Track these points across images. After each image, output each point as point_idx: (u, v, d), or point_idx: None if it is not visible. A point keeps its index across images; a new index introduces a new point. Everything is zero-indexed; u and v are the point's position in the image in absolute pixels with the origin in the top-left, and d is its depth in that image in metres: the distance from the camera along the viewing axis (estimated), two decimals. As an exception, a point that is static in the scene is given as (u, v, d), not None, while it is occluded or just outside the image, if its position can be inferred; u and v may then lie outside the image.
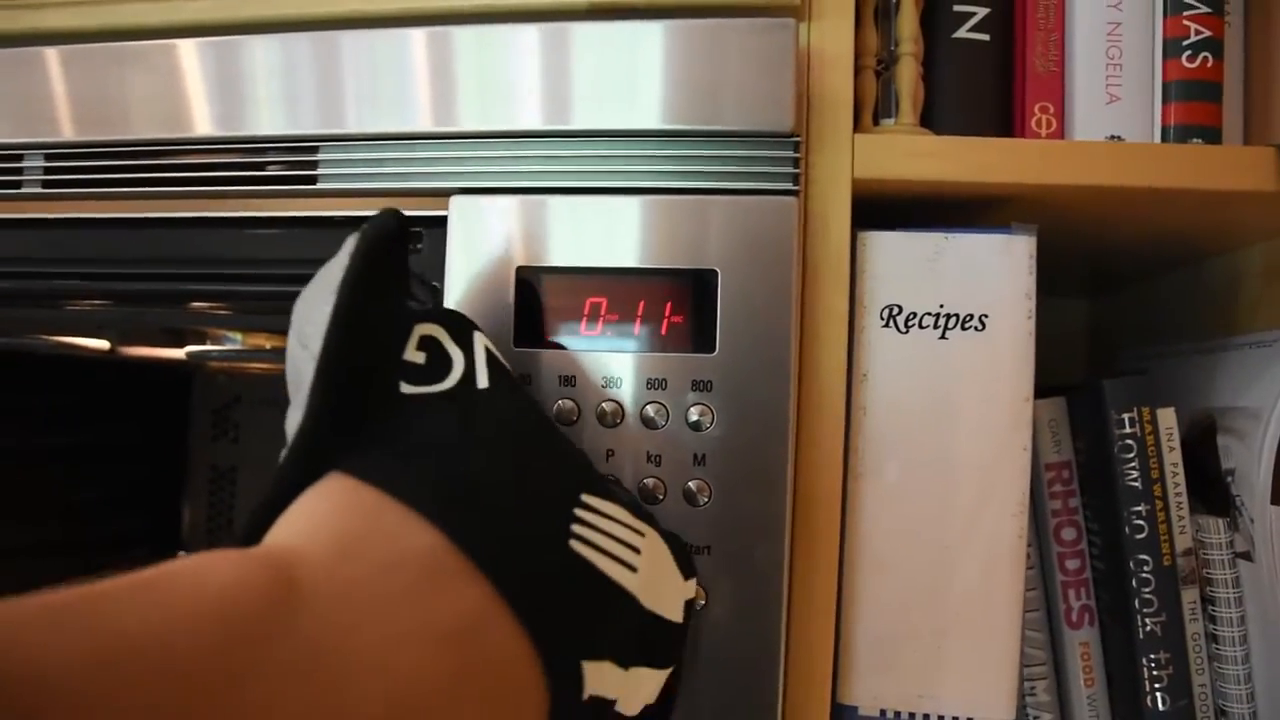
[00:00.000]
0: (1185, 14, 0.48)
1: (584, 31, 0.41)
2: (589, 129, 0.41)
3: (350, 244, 0.32)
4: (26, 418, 0.70)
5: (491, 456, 0.29)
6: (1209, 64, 0.47)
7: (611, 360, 0.40)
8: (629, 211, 0.41)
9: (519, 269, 0.41)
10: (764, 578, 0.40)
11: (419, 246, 0.46)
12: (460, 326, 0.33)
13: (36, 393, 0.71)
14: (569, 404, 0.40)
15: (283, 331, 0.67)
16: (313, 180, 0.45)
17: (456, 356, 0.31)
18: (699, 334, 0.40)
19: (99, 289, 0.50)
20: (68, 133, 0.47)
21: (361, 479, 0.27)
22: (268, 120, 0.44)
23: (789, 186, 0.40)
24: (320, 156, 0.44)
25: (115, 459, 0.78)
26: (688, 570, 0.35)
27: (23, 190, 0.48)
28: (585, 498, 0.30)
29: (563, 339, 0.41)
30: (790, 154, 0.40)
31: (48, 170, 0.48)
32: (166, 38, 0.46)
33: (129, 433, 0.79)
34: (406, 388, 0.30)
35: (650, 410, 0.40)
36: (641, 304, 0.41)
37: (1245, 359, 0.49)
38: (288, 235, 0.47)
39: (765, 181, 0.40)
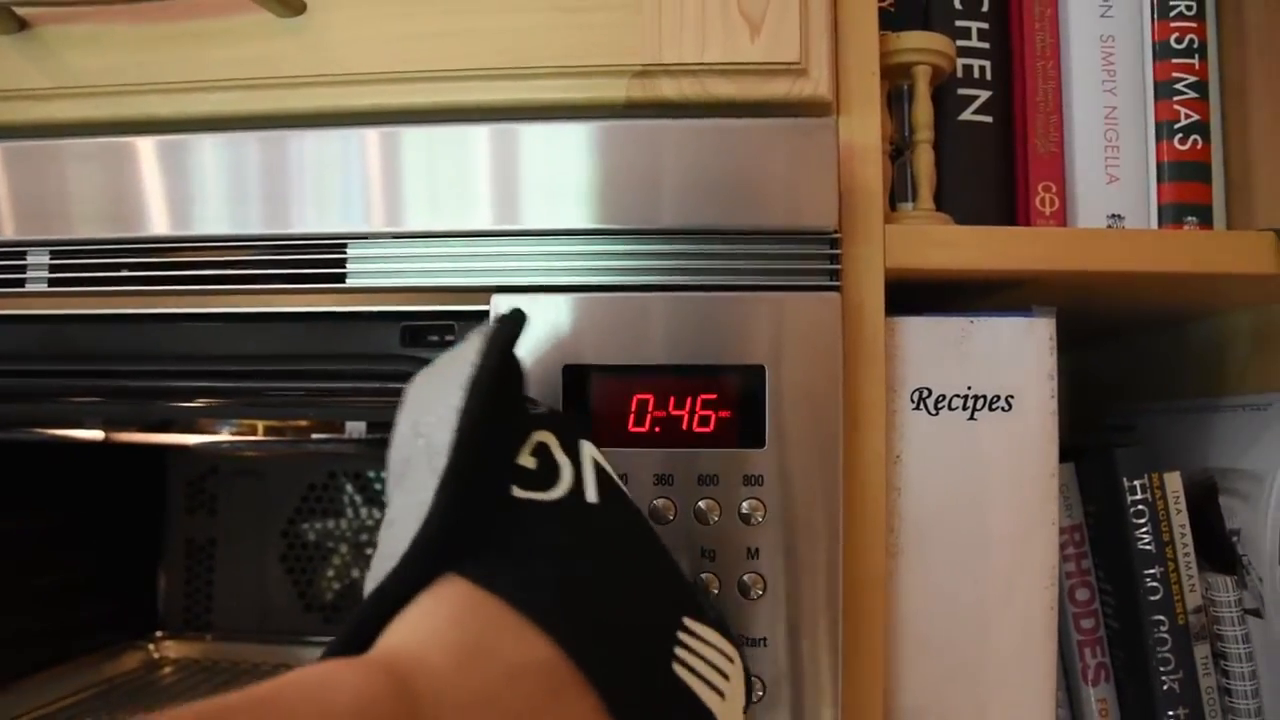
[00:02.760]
0: (1175, 99, 0.50)
1: (622, 130, 0.42)
2: (630, 228, 0.42)
3: (480, 342, 0.32)
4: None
5: (603, 573, 0.30)
6: (1198, 146, 0.50)
7: (661, 458, 0.41)
8: (672, 309, 0.41)
9: (566, 367, 0.41)
10: (819, 666, 0.41)
11: (449, 339, 0.46)
12: (569, 434, 0.33)
13: (5, 476, 0.68)
14: (621, 501, 0.41)
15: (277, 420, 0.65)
16: (341, 279, 0.44)
17: (565, 465, 0.32)
18: (748, 429, 0.41)
19: (108, 386, 0.48)
20: (77, 230, 0.45)
21: (480, 585, 0.27)
22: (300, 218, 0.44)
23: (830, 281, 0.41)
24: (350, 254, 0.44)
25: (88, 538, 0.75)
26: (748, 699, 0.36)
27: (27, 289, 0.46)
28: (687, 622, 0.31)
29: (611, 437, 0.41)
30: (831, 250, 0.41)
31: (53, 268, 0.46)
32: (179, 130, 0.46)
33: (102, 510, 0.76)
34: (518, 491, 0.30)
35: (702, 505, 0.41)
36: (689, 401, 0.41)
37: (1240, 421, 0.51)
38: (313, 330, 0.46)
39: (808, 277, 0.41)
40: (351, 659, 0.25)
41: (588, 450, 0.33)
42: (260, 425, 0.64)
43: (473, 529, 0.29)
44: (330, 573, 0.80)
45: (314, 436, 0.65)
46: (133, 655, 0.76)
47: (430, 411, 0.30)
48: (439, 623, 0.27)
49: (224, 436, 0.62)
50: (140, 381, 0.47)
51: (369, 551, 0.80)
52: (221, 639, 0.79)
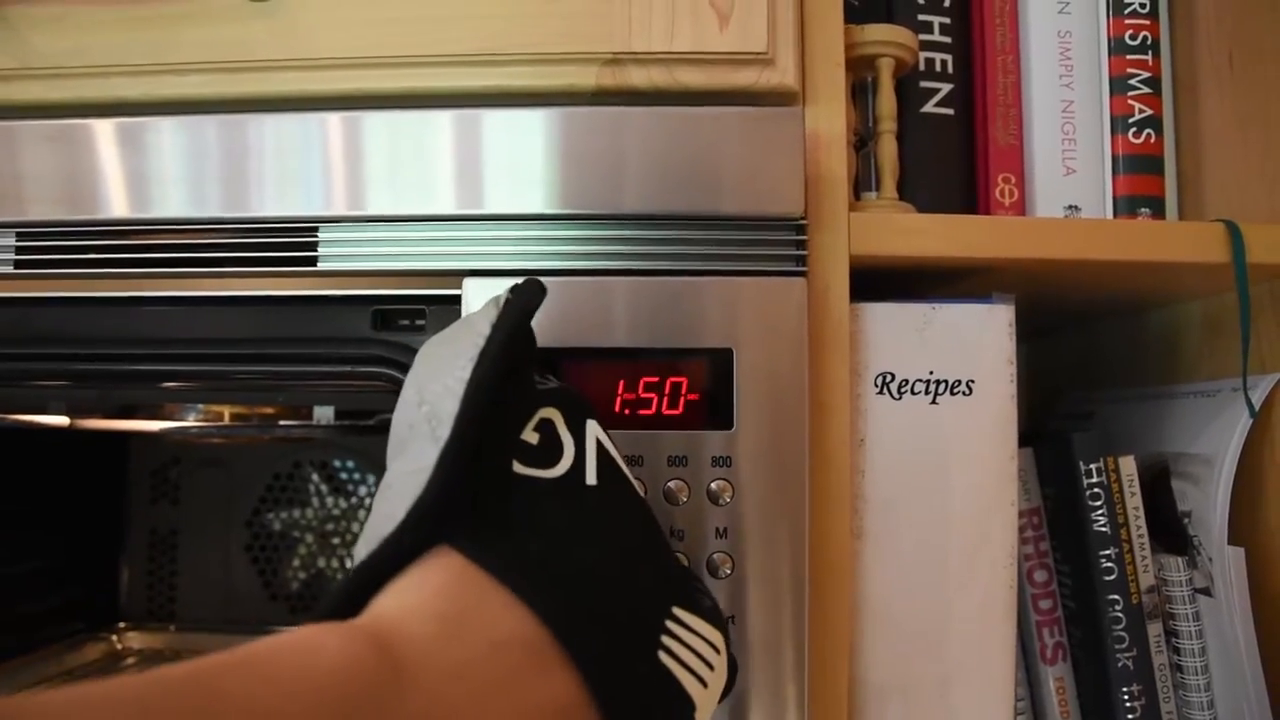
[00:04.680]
0: (1129, 94, 0.52)
1: (591, 117, 0.42)
2: (600, 213, 0.42)
3: (493, 313, 0.32)
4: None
5: (595, 555, 0.30)
6: (1152, 140, 0.52)
7: (631, 439, 0.41)
8: (642, 293, 0.42)
9: (541, 351, 0.42)
10: (785, 643, 0.41)
11: (420, 323, 0.46)
12: (576, 413, 0.33)
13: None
14: (591, 482, 0.41)
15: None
16: (312, 261, 0.44)
17: (568, 444, 0.32)
18: (717, 411, 0.42)
19: (76, 370, 0.48)
20: (42, 213, 0.45)
21: (471, 559, 0.28)
22: (271, 201, 0.44)
23: (796, 267, 0.42)
24: (321, 237, 0.44)
25: (47, 527, 0.74)
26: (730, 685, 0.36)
27: (-9, 271, 0.46)
28: (677, 611, 0.31)
29: (583, 419, 0.42)
30: (797, 236, 0.42)
31: (19, 250, 0.46)
32: (146, 113, 0.45)
33: (61, 499, 0.75)
34: (519, 467, 0.30)
35: (672, 486, 0.41)
36: (658, 383, 0.42)
37: (1192, 407, 0.53)
38: (283, 313, 0.46)
39: (775, 263, 0.42)
40: (337, 624, 0.25)
41: (593, 430, 0.33)
42: (226, 412, 0.64)
43: (469, 502, 0.29)
44: (296, 562, 0.80)
45: (281, 423, 0.64)
46: (95, 646, 0.75)
47: (437, 379, 0.31)
48: (427, 593, 0.27)
49: (190, 423, 0.62)
50: (107, 365, 0.47)
51: (335, 541, 0.80)
52: (185, 629, 0.78)
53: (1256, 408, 0.48)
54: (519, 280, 0.35)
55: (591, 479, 0.32)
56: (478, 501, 0.29)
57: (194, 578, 0.80)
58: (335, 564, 0.80)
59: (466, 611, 0.27)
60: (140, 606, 0.80)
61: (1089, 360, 0.68)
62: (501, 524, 0.29)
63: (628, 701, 0.28)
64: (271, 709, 0.21)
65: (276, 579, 0.80)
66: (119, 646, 0.76)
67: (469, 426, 0.29)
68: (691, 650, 0.31)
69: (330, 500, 0.80)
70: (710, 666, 0.31)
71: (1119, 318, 0.64)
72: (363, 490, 0.80)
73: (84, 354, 0.46)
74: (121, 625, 0.78)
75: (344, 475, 0.80)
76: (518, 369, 0.32)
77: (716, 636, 0.32)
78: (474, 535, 0.28)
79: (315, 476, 0.80)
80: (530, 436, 0.31)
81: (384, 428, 0.42)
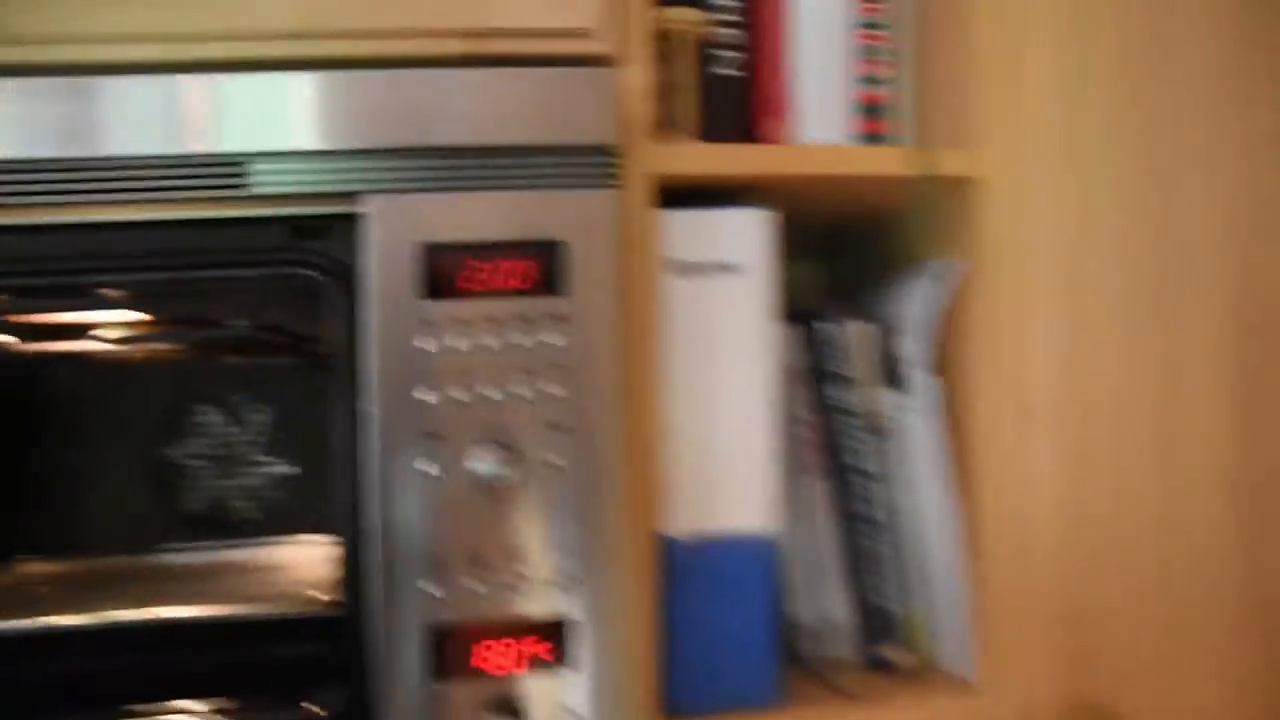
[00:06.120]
0: (871, 58, 0.71)
1: (463, 75, 0.58)
2: (471, 144, 0.57)
3: None
4: None
5: None
6: (881, 93, 0.71)
7: (496, 306, 0.57)
8: (503, 203, 0.58)
9: (426, 245, 0.57)
10: (613, 456, 0.58)
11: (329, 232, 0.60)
12: None
13: None
14: (466, 342, 0.57)
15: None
16: (242, 187, 0.57)
17: None
18: (557, 284, 0.58)
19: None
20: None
21: None
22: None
23: (614, 183, 0.59)
24: (248, 168, 0.57)
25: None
26: None
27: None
28: None
29: (460, 293, 0.57)
30: (611, 159, 0.59)
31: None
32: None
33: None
34: None
35: (528, 341, 0.57)
36: (517, 266, 0.58)
37: (913, 285, 0.73)
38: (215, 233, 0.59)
39: (597, 181, 0.58)
40: None
41: None
42: (142, 325, 0.73)
43: None
44: (198, 487, 0.84)
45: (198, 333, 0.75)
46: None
47: None
48: None
49: (102, 343, 0.71)
50: (45, 280, 0.58)
51: (235, 466, 0.84)
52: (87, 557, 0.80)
53: (948, 283, 0.67)
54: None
55: None
56: None
57: (95, 507, 0.81)
58: (236, 487, 0.85)
59: None
60: (42, 536, 0.80)
61: (856, 266, 0.88)
62: None
63: None
64: None
65: (179, 503, 0.83)
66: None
67: None
68: None
69: (231, 428, 0.85)
70: None
71: (875, 225, 0.83)
72: (258, 418, 0.84)
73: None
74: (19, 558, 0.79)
75: (243, 404, 0.85)
76: None
77: None
78: None
79: (213, 405, 0.84)
80: None
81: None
